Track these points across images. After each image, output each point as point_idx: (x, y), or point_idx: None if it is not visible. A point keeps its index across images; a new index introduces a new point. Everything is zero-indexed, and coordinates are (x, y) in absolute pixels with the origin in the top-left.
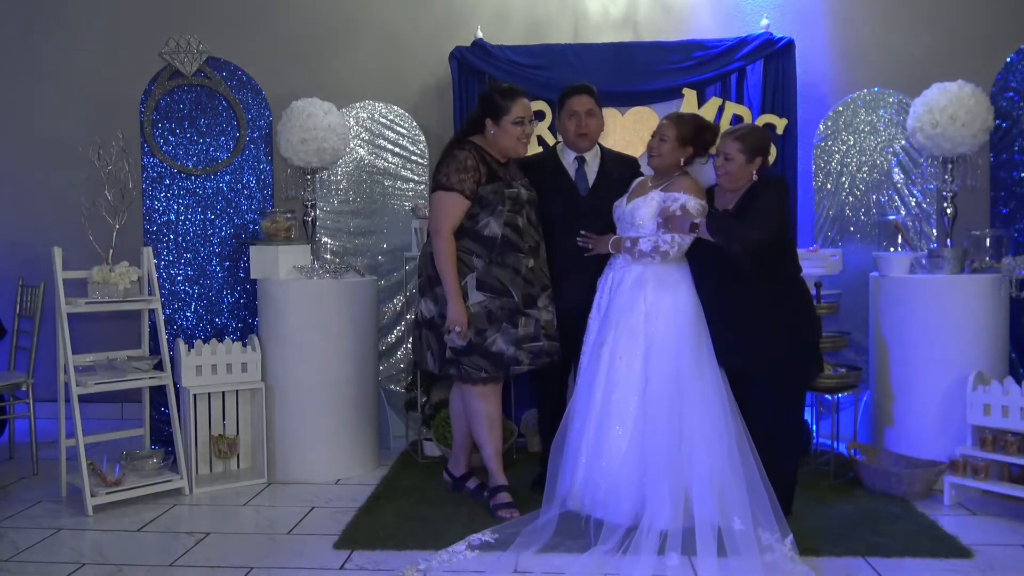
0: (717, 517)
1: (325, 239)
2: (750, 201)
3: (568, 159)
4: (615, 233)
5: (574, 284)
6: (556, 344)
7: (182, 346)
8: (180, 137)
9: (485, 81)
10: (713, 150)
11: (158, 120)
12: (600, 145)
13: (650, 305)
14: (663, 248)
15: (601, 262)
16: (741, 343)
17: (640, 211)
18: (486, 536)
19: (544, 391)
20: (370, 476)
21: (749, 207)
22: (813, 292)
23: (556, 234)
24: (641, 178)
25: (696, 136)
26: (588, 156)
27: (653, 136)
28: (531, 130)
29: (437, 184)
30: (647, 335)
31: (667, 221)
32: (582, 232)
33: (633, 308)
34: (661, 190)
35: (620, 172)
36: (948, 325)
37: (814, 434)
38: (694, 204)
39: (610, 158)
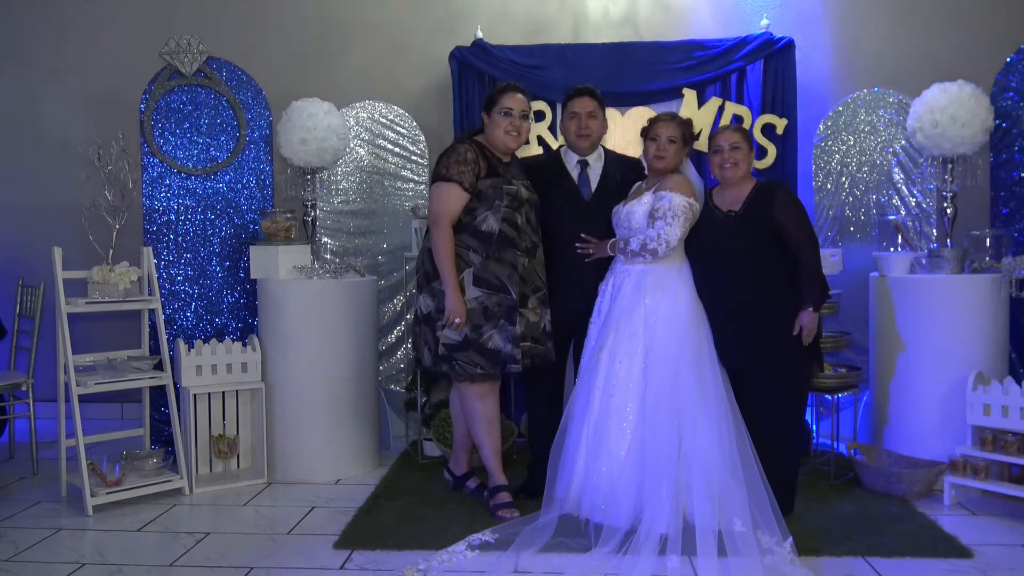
0: (717, 519)
1: (325, 239)
2: (766, 212)
3: (571, 162)
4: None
5: (575, 288)
6: (542, 348)
7: (182, 346)
8: (180, 137)
9: (485, 81)
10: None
11: (158, 120)
12: (604, 148)
13: (649, 309)
14: (651, 246)
15: (602, 267)
16: (741, 343)
17: (635, 214)
18: (486, 536)
19: (535, 396)
20: (370, 476)
21: (783, 233)
22: None
23: (558, 237)
24: (640, 182)
25: (691, 133)
26: (591, 159)
27: (654, 140)
28: (521, 124)
29: (437, 175)
30: (646, 339)
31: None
32: (582, 236)
33: (633, 312)
34: (653, 191)
35: (624, 175)
36: (948, 325)
37: (814, 434)
38: (679, 200)
39: (614, 161)
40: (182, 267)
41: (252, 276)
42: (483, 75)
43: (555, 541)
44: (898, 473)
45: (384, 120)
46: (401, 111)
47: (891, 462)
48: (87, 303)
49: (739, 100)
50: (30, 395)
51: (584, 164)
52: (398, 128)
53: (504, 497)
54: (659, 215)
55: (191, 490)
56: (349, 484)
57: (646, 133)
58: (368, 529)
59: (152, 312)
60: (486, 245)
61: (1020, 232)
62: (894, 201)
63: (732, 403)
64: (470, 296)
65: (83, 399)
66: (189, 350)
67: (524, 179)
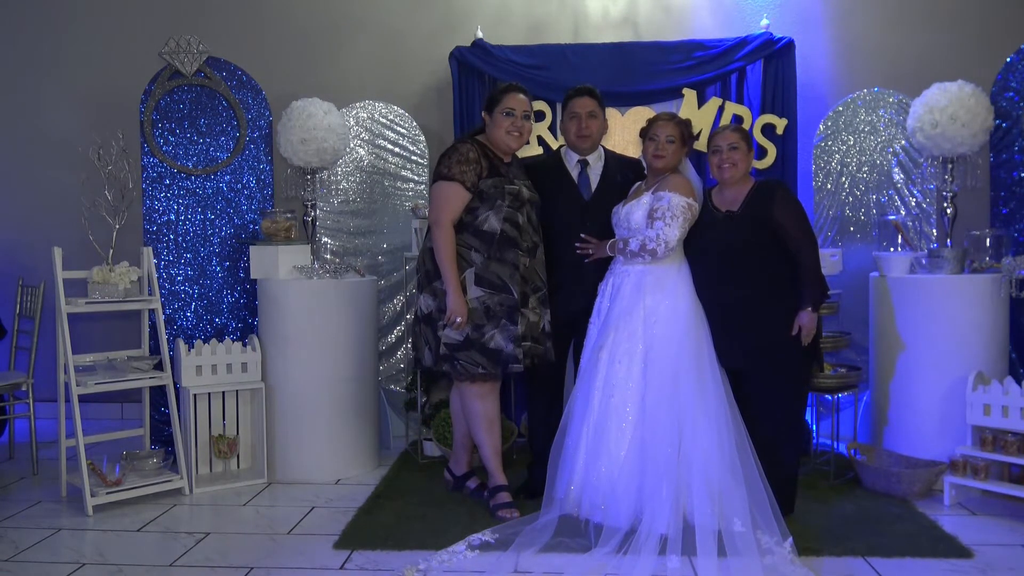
0: (717, 519)
1: (325, 239)
2: (766, 212)
3: (571, 162)
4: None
5: (575, 288)
6: (541, 348)
7: (182, 346)
8: (180, 137)
9: (485, 81)
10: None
11: (158, 120)
12: (604, 148)
13: (649, 310)
14: (650, 246)
15: (602, 267)
16: (741, 343)
17: (634, 215)
18: (486, 536)
19: (535, 396)
20: (370, 476)
21: (782, 232)
22: None
23: (559, 238)
24: (639, 182)
25: (690, 133)
26: (591, 159)
27: (653, 139)
28: (523, 124)
29: (438, 175)
30: (646, 339)
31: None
32: (582, 236)
33: (632, 312)
34: (652, 191)
35: (624, 175)
36: (948, 325)
37: (814, 434)
38: (678, 200)
39: (614, 161)
40: (182, 267)
41: (252, 276)
42: (483, 75)
43: (555, 541)
44: (898, 473)
45: (384, 120)
46: (401, 111)
47: (891, 462)
48: (87, 303)
49: (739, 100)
50: (30, 395)
51: (584, 164)
52: (398, 128)
53: (504, 497)
54: (658, 215)
55: (191, 490)
56: (349, 484)
57: (645, 133)
58: (368, 529)
59: (152, 312)
60: (488, 245)
61: (1020, 232)
62: (894, 201)
63: (732, 403)
64: (472, 296)
65: (83, 399)
66: (189, 350)
67: (525, 179)
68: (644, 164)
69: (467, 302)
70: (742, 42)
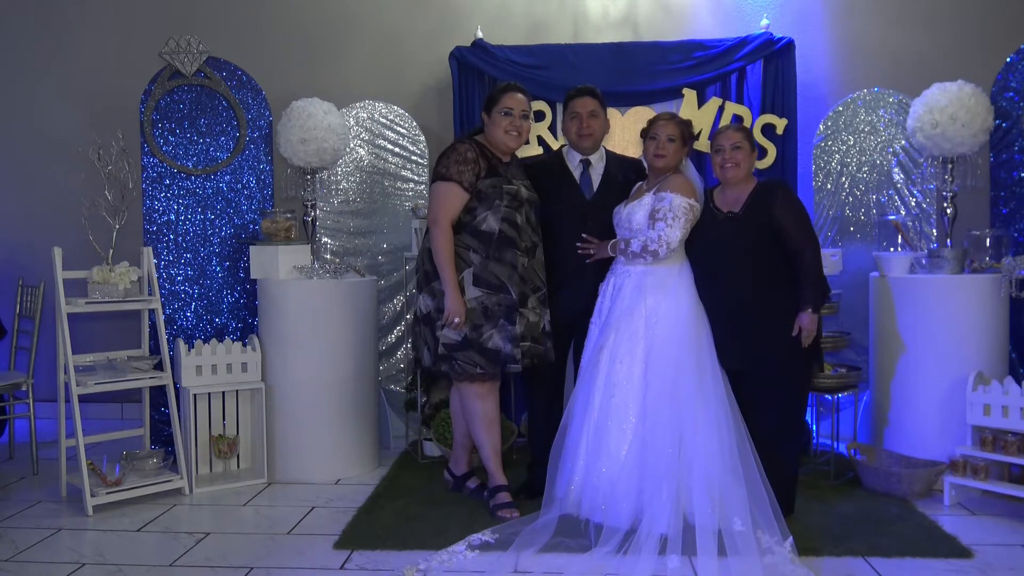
0: (717, 519)
1: (325, 239)
2: (767, 213)
3: (573, 162)
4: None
5: (576, 288)
6: (541, 348)
7: (182, 346)
8: (180, 137)
9: (485, 81)
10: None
11: (158, 120)
12: (605, 148)
13: (650, 310)
14: (652, 247)
15: (603, 268)
16: (742, 344)
17: (636, 215)
18: (486, 536)
19: (535, 396)
20: (370, 476)
21: (783, 233)
22: None
23: (560, 238)
24: (641, 183)
25: (691, 133)
26: (593, 159)
27: (654, 139)
28: (521, 124)
29: (436, 175)
30: (647, 339)
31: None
32: (583, 236)
33: (633, 313)
34: (653, 192)
35: (625, 175)
36: (948, 325)
37: (814, 434)
38: (679, 201)
39: (615, 161)
40: (182, 267)
41: (252, 276)
42: (483, 75)
43: (555, 541)
44: (898, 473)
45: (384, 120)
46: (401, 111)
47: (891, 462)
48: (87, 303)
49: (739, 100)
50: (30, 395)
51: (586, 164)
52: (398, 128)
53: (504, 497)
54: (660, 216)
55: (191, 490)
56: (349, 484)
57: (645, 133)
58: (368, 529)
59: (152, 312)
60: (486, 245)
61: (1020, 232)
62: (894, 201)
63: (732, 403)
64: (470, 296)
65: (83, 399)
66: (189, 350)
67: (524, 179)
68: (645, 164)
69: (465, 302)
70: (742, 42)
